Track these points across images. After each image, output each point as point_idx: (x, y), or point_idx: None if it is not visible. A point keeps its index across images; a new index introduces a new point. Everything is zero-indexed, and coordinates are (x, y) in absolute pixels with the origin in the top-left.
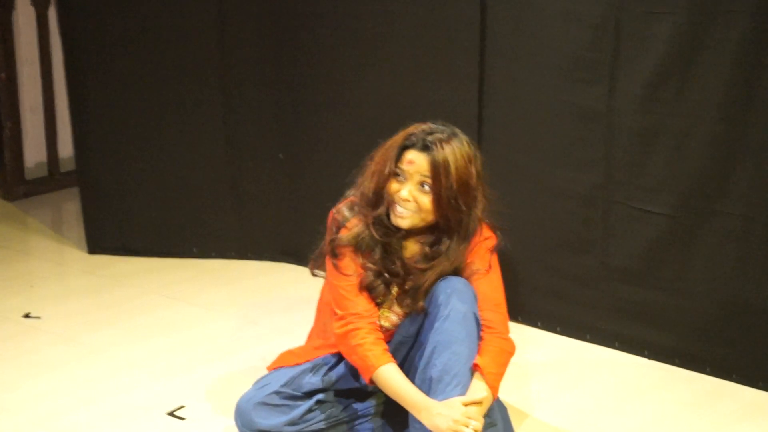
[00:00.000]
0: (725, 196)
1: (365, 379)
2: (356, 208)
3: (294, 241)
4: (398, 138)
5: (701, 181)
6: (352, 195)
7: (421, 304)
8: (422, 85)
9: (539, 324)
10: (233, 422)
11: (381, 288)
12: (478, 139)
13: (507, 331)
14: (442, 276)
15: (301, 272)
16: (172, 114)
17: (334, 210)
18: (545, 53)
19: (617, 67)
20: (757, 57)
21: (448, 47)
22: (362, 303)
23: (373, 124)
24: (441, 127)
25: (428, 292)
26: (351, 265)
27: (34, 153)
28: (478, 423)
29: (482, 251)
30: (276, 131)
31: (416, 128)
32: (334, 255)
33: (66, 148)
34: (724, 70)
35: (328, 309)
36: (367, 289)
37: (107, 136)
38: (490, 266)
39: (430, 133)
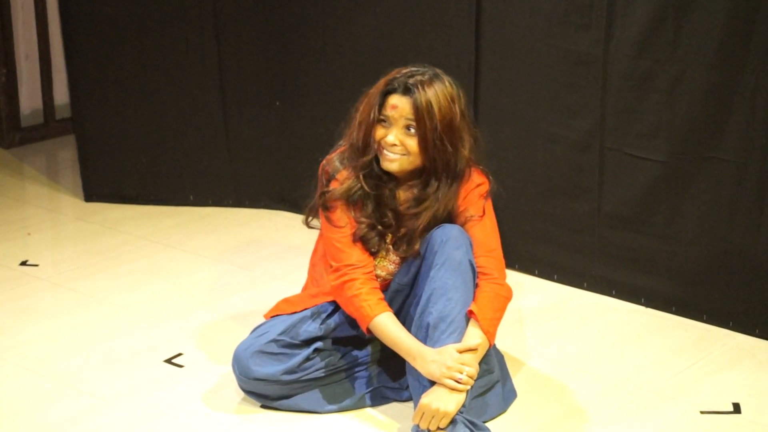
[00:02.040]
0: (719, 142)
1: (362, 329)
2: (346, 160)
3: (288, 189)
4: (380, 84)
5: (695, 127)
6: (341, 145)
7: (416, 247)
8: (417, 30)
9: (536, 272)
10: (231, 370)
11: (375, 240)
12: (474, 84)
13: (503, 276)
14: (435, 218)
15: (295, 219)
16: (168, 61)
17: (324, 161)
18: None
19: (613, 12)
20: (753, 1)
21: None
22: (356, 254)
23: (366, 70)
24: (422, 69)
25: (423, 234)
26: (343, 217)
27: (29, 100)
28: (473, 369)
29: (475, 198)
30: (270, 78)
31: (397, 72)
32: (326, 208)
33: (61, 95)
34: (719, 15)
35: (323, 261)
36: (361, 241)
37: (103, 84)
38: (483, 212)
39: (411, 76)
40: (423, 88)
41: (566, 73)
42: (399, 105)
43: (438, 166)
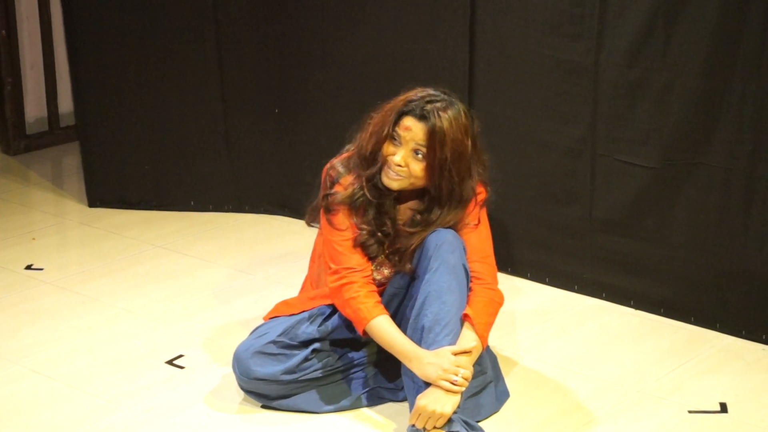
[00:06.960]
0: (707, 148)
1: (359, 331)
2: (351, 166)
3: (288, 194)
4: (398, 102)
5: (684, 133)
6: (348, 150)
7: (408, 266)
8: (414, 41)
9: (528, 275)
10: (231, 370)
11: (374, 247)
12: (468, 93)
13: (495, 282)
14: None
15: (295, 224)
16: (170, 70)
17: (328, 165)
18: (533, 8)
19: (604, 22)
20: (740, 12)
21: (439, 1)
22: (356, 258)
23: (364, 79)
24: (440, 96)
25: (414, 253)
26: (345, 221)
27: (34, 108)
28: (468, 371)
29: (472, 205)
30: (270, 86)
31: (417, 94)
32: (328, 211)
33: (66, 103)
34: (708, 25)
35: (321, 260)
36: (361, 246)
37: (106, 92)
38: (479, 220)
39: (429, 102)
40: (438, 116)
41: (559, 82)
42: (412, 128)
43: (442, 194)
